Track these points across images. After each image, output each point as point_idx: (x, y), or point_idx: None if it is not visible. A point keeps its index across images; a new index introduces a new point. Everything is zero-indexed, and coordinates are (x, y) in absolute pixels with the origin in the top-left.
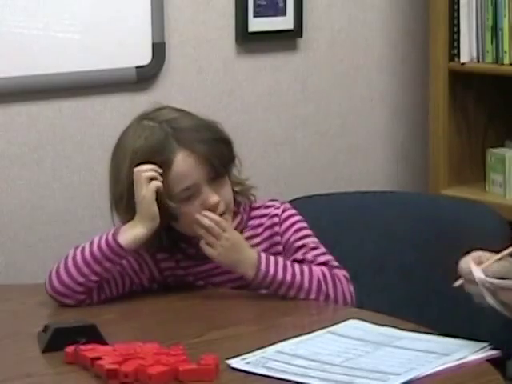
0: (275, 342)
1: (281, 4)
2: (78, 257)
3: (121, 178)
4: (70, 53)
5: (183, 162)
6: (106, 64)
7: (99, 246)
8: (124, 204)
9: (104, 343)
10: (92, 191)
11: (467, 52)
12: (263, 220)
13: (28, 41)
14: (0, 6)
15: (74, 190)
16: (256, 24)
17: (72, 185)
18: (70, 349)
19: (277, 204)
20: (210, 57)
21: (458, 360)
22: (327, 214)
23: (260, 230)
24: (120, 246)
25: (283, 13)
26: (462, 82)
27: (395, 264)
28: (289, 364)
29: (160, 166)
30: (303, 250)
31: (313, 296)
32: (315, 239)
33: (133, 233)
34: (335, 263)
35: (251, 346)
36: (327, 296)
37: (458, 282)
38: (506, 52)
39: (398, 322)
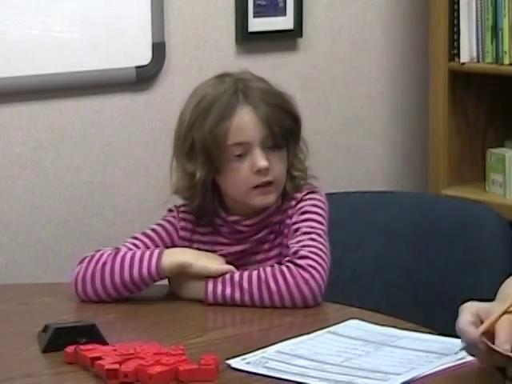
0: (275, 342)
1: (281, 4)
2: (117, 278)
3: (182, 119)
4: (70, 53)
5: (243, 116)
6: (105, 64)
7: (140, 273)
8: (180, 146)
9: (104, 343)
10: (92, 191)
11: (467, 52)
12: (287, 205)
13: (28, 41)
14: (0, 6)
15: (74, 190)
16: (256, 24)
17: (72, 185)
18: (70, 349)
19: (305, 189)
20: (210, 57)
21: (458, 360)
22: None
23: (281, 216)
24: (159, 275)
25: (283, 13)
26: (462, 82)
27: (395, 264)
28: (289, 364)
29: (222, 114)
30: (295, 234)
31: (267, 301)
32: (314, 224)
33: (181, 258)
34: (305, 252)
35: (251, 346)
36: (280, 293)
37: (462, 346)
38: (505, 52)
39: (398, 322)
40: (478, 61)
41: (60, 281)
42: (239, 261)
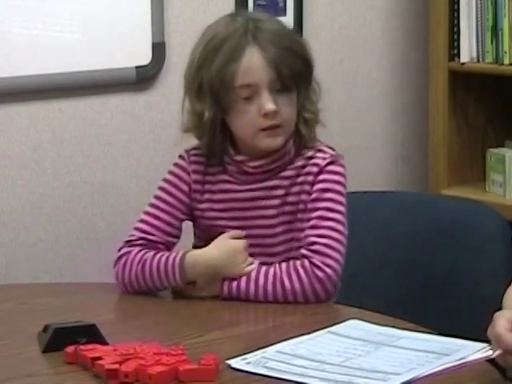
0: (275, 342)
1: (281, 4)
2: (151, 286)
3: (192, 57)
4: (70, 53)
5: (251, 58)
6: (105, 64)
7: (169, 283)
8: (190, 85)
9: (104, 343)
10: (92, 191)
11: (467, 52)
12: (304, 163)
13: (28, 41)
14: (0, 6)
15: (74, 190)
16: None
17: (72, 185)
18: (70, 349)
19: (328, 154)
20: None
21: (458, 360)
22: None
23: (295, 172)
24: (186, 282)
25: (283, 13)
26: (462, 81)
27: (395, 264)
28: (289, 364)
29: (229, 55)
30: (313, 214)
31: (280, 298)
32: (335, 205)
33: (204, 270)
34: (321, 247)
35: (251, 346)
36: (294, 291)
37: (496, 353)
38: (505, 52)
39: (398, 322)
40: (478, 61)
41: (60, 281)
42: (248, 211)
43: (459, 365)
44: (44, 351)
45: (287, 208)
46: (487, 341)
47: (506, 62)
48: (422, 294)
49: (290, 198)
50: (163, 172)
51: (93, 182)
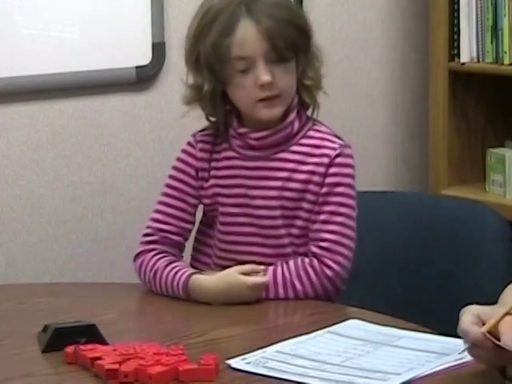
0: (275, 342)
1: None
2: (160, 292)
3: (189, 31)
4: (70, 53)
5: (244, 30)
6: (105, 64)
7: (176, 296)
8: (188, 58)
9: (104, 343)
10: (92, 191)
11: (467, 52)
12: (310, 150)
13: (28, 41)
14: (0, 6)
15: (74, 190)
16: None
17: (72, 185)
18: (70, 349)
19: (337, 143)
20: None
21: (457, 360)
22: None
23: (300, 157)
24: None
25: None
26: (462, 82)
27: (395, 264)
28: (289, 364)
29: (223, 28)
30: (324, 208)
31: (292, 297)
32: (346, 200)
33: (209, 285)
34: (331, 244)
35: (251, 346)
36: (305, 293)
37: (465, 347)
38: (505, 52)
39: (398, 322)
40: (478, 61)
41: (60, 281)
42: (250, 190)
43: (459, 365)
44: (44, 351)
45: (288, 194)
46: None
47: (506, 61)
48: (422, 294)
49: (292, 184)
50: (163, 172)
51: (93, 182)
